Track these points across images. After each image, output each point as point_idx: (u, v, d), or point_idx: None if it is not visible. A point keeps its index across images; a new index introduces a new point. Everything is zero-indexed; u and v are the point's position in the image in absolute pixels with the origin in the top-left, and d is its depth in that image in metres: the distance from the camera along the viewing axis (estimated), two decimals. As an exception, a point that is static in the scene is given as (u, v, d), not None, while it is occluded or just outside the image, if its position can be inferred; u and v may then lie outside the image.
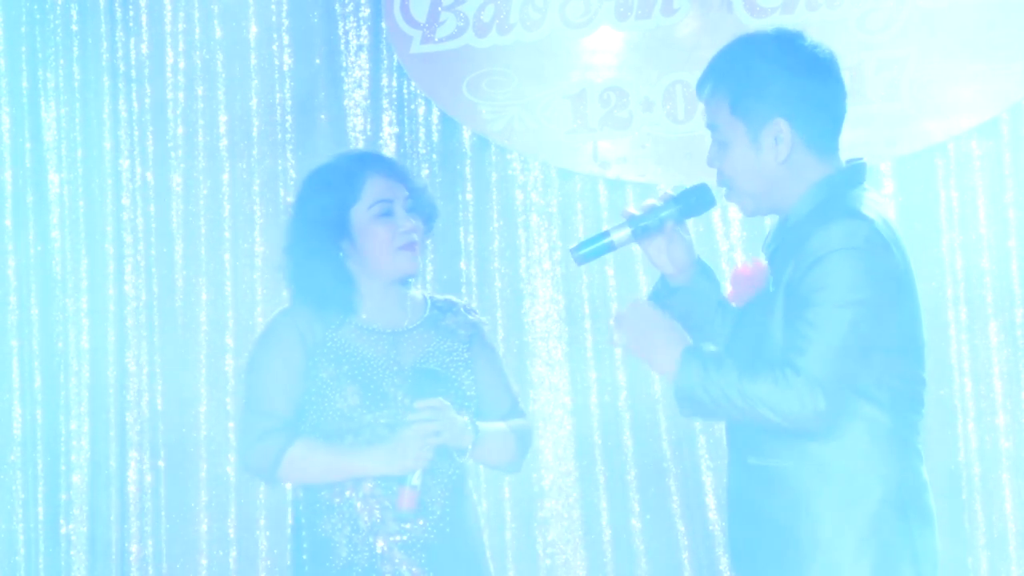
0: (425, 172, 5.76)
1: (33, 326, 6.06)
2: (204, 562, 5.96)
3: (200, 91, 6.05)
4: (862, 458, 3.29)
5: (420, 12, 5.82)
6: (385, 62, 5.93)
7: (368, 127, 5.91)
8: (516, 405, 4.16)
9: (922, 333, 3.40)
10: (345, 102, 5.95)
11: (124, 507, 6.02)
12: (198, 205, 6.05)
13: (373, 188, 4.01)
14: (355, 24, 5.96)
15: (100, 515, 6.02)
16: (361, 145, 5.84)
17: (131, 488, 6.02)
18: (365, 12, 5.95)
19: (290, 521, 4.21)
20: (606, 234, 3.52)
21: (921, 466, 3.38)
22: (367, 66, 5.94)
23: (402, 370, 3.97)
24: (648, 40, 5.63)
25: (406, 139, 5.89)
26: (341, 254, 4.02)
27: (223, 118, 6.04)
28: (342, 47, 5.96)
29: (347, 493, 3.95)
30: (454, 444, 3.92)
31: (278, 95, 5.99)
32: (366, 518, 3.94)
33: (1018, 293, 5.36)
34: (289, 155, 5.97)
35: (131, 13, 6.10)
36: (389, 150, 5.81)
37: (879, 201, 3.41)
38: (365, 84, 5.94)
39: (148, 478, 6.01)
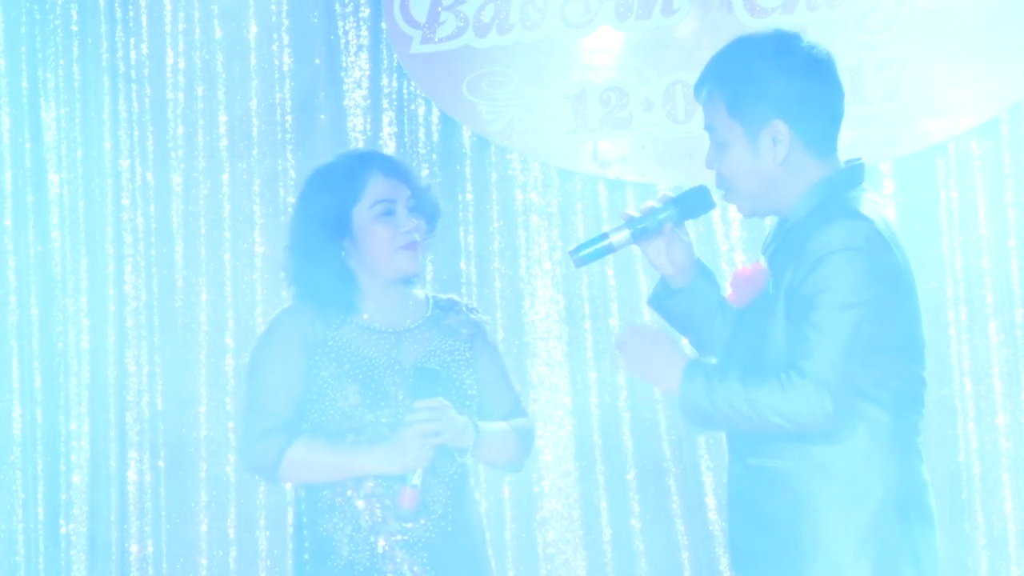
0: (425, 172, 5.76)
1: (33, 326, 6.06)
2: (204, 562, 5.96)
3: (200, 91, 6.05)
4: (863, 458, 3.29)
5: (420, 12, 5.81)
6: (385, 62, 5.92)
7: (368, 127, 5.91)
8: (518, 404, 4.16)
9: (922, 333, 3.40)
10: (345, 102, 5.95)
11: (124, 507, 6.02)
12: (198, 205, 6.05)
13: (375, 187, 4.02)
14: (355, 24, 5.96)
15: (100, 515, 6.02)
16: (361, 145, 5.84)
17: (131, 488, 6.02)
18: (365, 12, 5.95)
19: (291, 520, 4.21)
20: (605, 236, 3.52)
21: (922, 466, 3.39)
22: (367, 66, 5.94)
23: (403, 369, 3.98)
24: (648, 40, 5.63)
25: (406, 139, 5.89)
26: (343, 253, 4.02)
27: (223, 118, 6.04)
28: (342, 47, 5.96)
29: (348, 492, 3.95)
30: (455, 444, 3.92)
31: (278, 95, 5.99)
32: (367, 517, 3.94)
33: (1018, 293, 5.36)
34: (289, 155, 5.97)
35: (131, 13, 6.09)
36: (389, 150, 5.80)
37: (878, 202, 3.41)
38: (365, 84, 5.93)
39: (148, 478, 6.01)
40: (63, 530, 6.03)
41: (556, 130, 5.70)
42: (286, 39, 6.00)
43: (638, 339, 3.42)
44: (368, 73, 5.93)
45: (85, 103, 6.09)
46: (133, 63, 6.10)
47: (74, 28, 6.11)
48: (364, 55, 5.94)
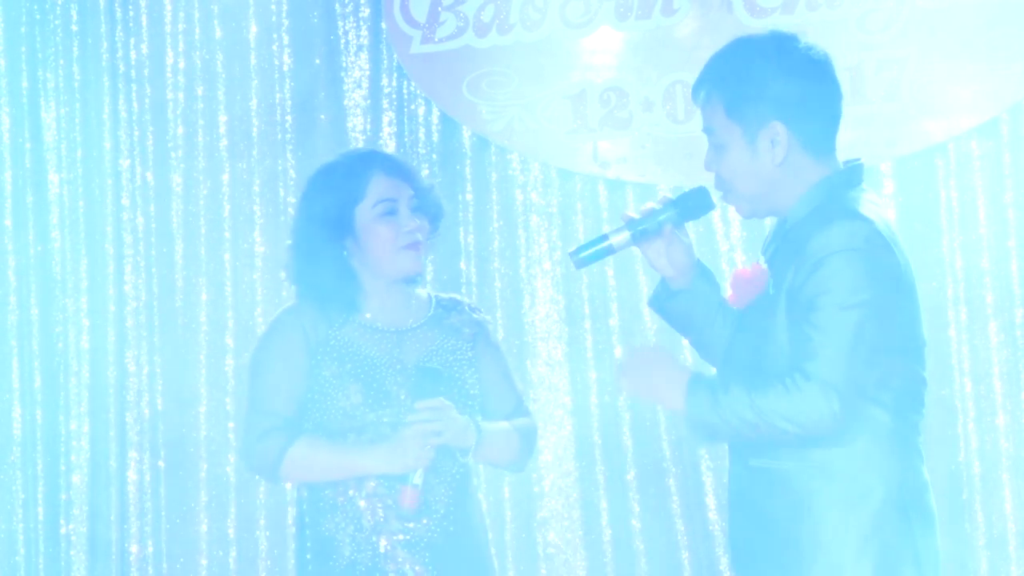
0: (425, 172, 5.76)
1: (33, 326, 6.06)
2: (204, 562, 5.96)
3: (200, 91, 6.05)
4: (864, 459, 3.29)
5: (420, 12, 5.81)
6: (385, 62, 5.92)
7: (368, 127, 5.91)
8: (521, 404, 4.16)
9: (923, 333, 3.40)
10: (345, 102, 5.95)
11: (124, 507, 6.02)
12: (198, 205, 6.04)
13: (377, 187, 4.02)
14: (355, 24, 5.96)
15: (100, 515, 6.02)
16: (361, 145, 5.84)
17: (131, 488, 6.02)
18: (365, 12, 5.95)
19: (293, 520, 4.20)
20: (605, 237, 3.52)
21: (922, 466, 3.39)
22: (367, 66, 5.94)
23: (405, 369, 3.98)
24: (648, 40, 5.63)
25: (406, 139, 5.89)
26: (345, 253, 4.02)
27: (223, 118, 6.04)
28: (342, 47, 5.96)
29: (350, 492, 3.95)
30: (456, 444, 3.92)
31: (278, 95, 5.99)
32: (369, 517, 3.94)
33: (1018, 293, 5.36)
34: (289, 155, 5.97)
35: (131, 13, 6.09)
36: (389, 150, 5.80)
37: (877, 202, 3.41)
38: (365, 84, 5.93)
39: (148, 478, 6.01)
40: (63, 530, 6.02)
41: (556, 130, 5.70)
42: (286, 39, 6.00)
43: (638, 361, 3.43)
44: (368, 73, 5.93)
45: (85, 103, 6.09)
46: (133, 63, 6.10)
47: (74, 28, 6.11)
48: (364, 55, 5.94)
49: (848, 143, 3.50)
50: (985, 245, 5.36)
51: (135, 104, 6.09)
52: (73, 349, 6.05)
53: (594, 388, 5.69)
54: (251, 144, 6.01)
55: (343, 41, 5.96)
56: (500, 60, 5.73)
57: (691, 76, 3.48)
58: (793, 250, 3.30)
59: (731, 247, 5.56)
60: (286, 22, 6.00)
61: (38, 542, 6.02)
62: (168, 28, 6.08)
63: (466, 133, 5.83)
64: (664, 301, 3.60)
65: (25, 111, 6.09)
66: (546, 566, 5.73)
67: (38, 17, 6.09)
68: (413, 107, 5.90)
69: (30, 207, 6.08)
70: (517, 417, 4.11)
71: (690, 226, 3.58)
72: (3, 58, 6.09)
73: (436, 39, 5.80)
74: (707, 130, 3.43)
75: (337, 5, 5.97)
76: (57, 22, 6.11)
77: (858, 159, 3.46)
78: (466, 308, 4.16)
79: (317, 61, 5.98)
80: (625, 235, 3.50)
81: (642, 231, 3.50)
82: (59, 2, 6.11)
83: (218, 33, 6.05)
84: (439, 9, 5.79)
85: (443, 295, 4.20)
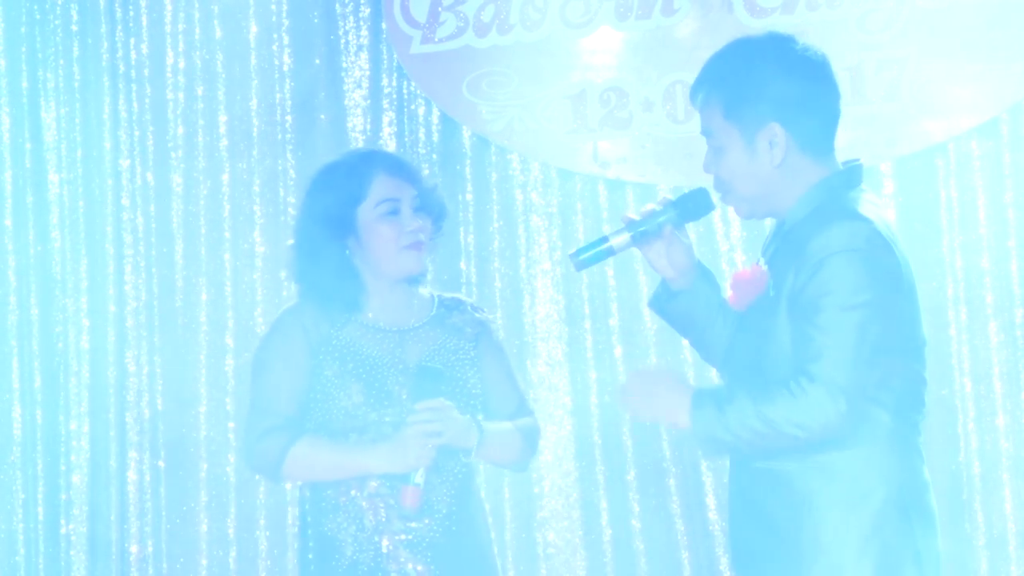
0: (425, 172, 5.76)
1: (33, 326, 6.06)
2: (204, 562, 5.96)
3: (200, 91, 6.05)
4: (864, 459, 3.29)
5: (420, 12, 5.81)
6: (385, 62, 5.92)
7: (368, 127, 5.91)
8: (524, 403, 4.16)
9: (923, 333, 3.40)
10: (345, 102, 5.95)
11: (124, 507, 6.02)
12: (198, 205, 6.04)
13: (380, 187, 4.02)
14: (355, 24, 5.96)
15: (100, 515, 6.02)
16: (361, 145, 5.84)
17: (131, 488, 6.02)
18: (365, 12, 5.95)
19: (295, 520, 4.20)
20: (605, 239, 3.52)
21: (923, 466, 3.39)
22: (367, 66, 5.94)
23: (407, 368, 3.98)
24: (648, 40, 5.63)
25: (406, 139, 5.89)
26: (347, 252, 4.02)
27: (223, 118, 6.04)
28: (342, 47, 5.96)
29: (352, 492, 3.95)
30: (457, 444, 3.92)
31: (278, 95, 5.99)
32: (371, 517, 3.94)
33: (1018, 293, 5.36)
34: (289, 155, 5.97)
35: (131, 13, 6.09)
36: (389, 150, 5.80)
37: (876, 202, 3.41)
38: (365, 84, 5.93)
39: (148, 478, 6.01)
40: (63, 530, 6.02)
41: (556, 130, 5.70)
42: (286, 39, 6.00)
43: (639, 383, 3.42)
44: (368, 73, 5.93)
45: (85, 103, 6.09)
46: (133, 63, 6.10)
47: (74, 28, 6.11)
48: (364, 55, 5.94)
49: (848, 143, 3.50)
50: (985, 245, 5.36)
51: (135, 104, 6.09)
52: (73, 349, 6.05)
53: (594, 388, 5.69)
54: (251, 144, 6.01)
55: (343, 41, 5.96)
56: (500, 60, 5.73)
57: (691, 76, 3.48)
58: (793, 251, 3.30)
59: (731, 247, 5.56)
60: (286, 22, 6.00)
61: (38, 542, 6.02)
62: (168, 28, 6.08)
63: (466, 133, 5.83)
64: (664, 302, 3.60)
65: (25, 111, 6.09)
66: (546, 566, 5.73)
67: (38, 17, 6.09)
68: (413, 107, 5.90)
69: (30, 207, 6.08)
70: (520, 416, 4.11)
71: (690, 227, 3.58)
72: (3, 58, 6.09)
73: (436, 39, 5.80)
74: (705, 132, 3.43)
75: (337, 5, 5.97)
76: (57, 22, 6.11)
77: (857, 159, 3.46)
78: (469, 308, 4.16)
79: (317, 61, 5.98)
80: (625, 237, 3.50)
81: (642, 232, 3.50)
82: (59, 2, 6.11)
83: (218, 33, 6.05)
84: (439, 9, 5.79)
85: (446, 295, 4.21)
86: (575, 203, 5.74)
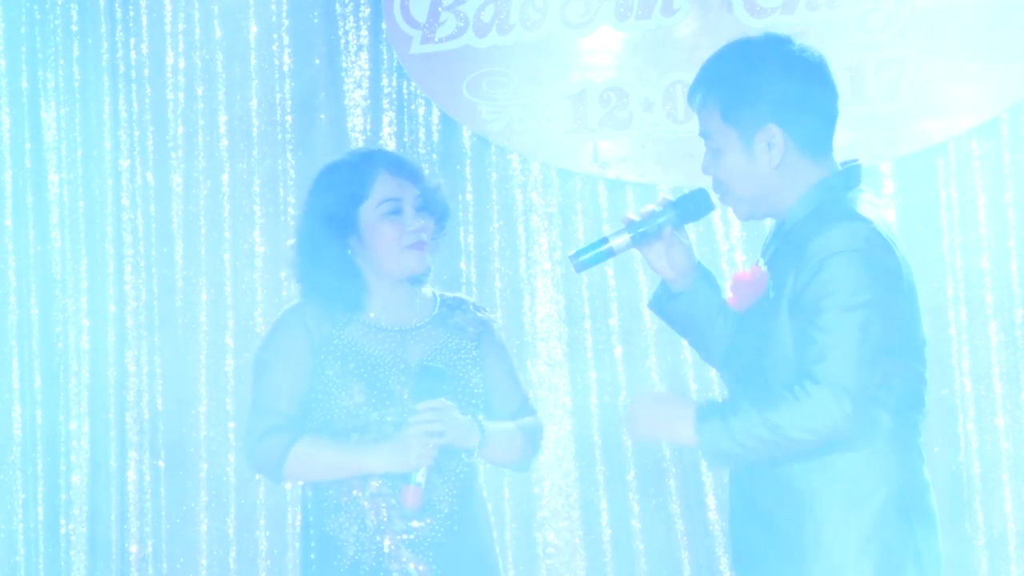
0: (427, 172, 5.76)
1: (33, 326, 6.06)
2: (204, 562, 5.96)
3: (200, 91, 6.05)
4: (865, 459, 3.28)
5: (420, 12, 5.81)
6: (385, 62, 5.92)
7: (368, 127, 5.91)
8: (526, 403, 4.16)
9: (923, 332, 3.40)
10: (345, 102, 5.95)
11: (124, 507, 6.02)
12: (198, 205, 6.04)
13: (382, 186, 4.02)
14: (355, 24, 5.96)
15: (100, 515, 6.02)
16: (362, 145, 5.84)
17: (131, 488, 6.02)
18: (365, 12, 5.95)
19: (298, 520, 4.20)
20: (605, 240, 3.52)
21: (923, 466, 3.38)
22: (367, 66, 5.94)
23: (408, 368, 3.98)
24: (648, 40, 5.63)
25: (406, 139, 5.89)
26: (349, 252, 4.02)
27: (223, 118, 6.04)
28: (342, 47, 5.96)
29: (354, 492, 3.95)
30: (459, 444, 3.92)
31: (278, 95, 5.99)
32: (373, 517, 3.94)
33: (1018, 293, 5.36)
34: (289, 155, 5.97)
35: (131, 13, 6.09)
36: (391, 150, 5.80)
37: (875, 203, 3.41)
38: (365, 84, 5.93)
39: (148, 478, 6.01)
40: (63, 530, 6.02)
41: (556, 130, 5.70)
42: (286, 39, 6.00)
43: (642, 406, 3.41)
44: (368, 73, 5.93)
45: (85, 103, 6.09)
46: (133, 63, 6.10)
47: (74, 28, 6.11)
48: (364, 55, 5.94)
49: (848, 143, 3.50)
50: (985, 245, 5.36)
51: (135, 104, 6.09)
52: (73, 349, 6.05)
53: (594, 388, 5.69)
54: (251, 144, 6.01)
55: (343, 41, 5.96)
56: (500, 60, 5.73)
57: (691, 76, 3.48)
58: (793, 252, 3.30)
59: (731, 247, 5.56)
60: (286, 22, 6.00)
61: (38, 542, 6.02)
62: (168, 28, 6.08)
63: (466, 133, 5.83)
64: (664, 303, 3.60)
65: (25, 111, 6.09)
66: (546, 566, 5.73)
67: (38, 17, 6.09)
68: (413, 107, 5.90)
69: (30, 207, 6.08)
70: (522, 416, 4.11)
71: (690, 227, 3.57)
72: (3, 58, 6.09)
73: (436, 39, 5.80)
74: (703, 135, 3.43)
75: (337, 5, 5.97)
76: (57, 22, 6.11)
77: (856, 160, 3.46)
78: (471, 307, 4.16)
79: (317, 61, 5.98)
80: (625, 238, 3.49)
81: (642, 233, 3.49)
82: (59, 2, 6.11)
83: (218, 33, 6.05)
84: (439, 9, 5.79)
85: (448, 294, 4.21)
86: (575, 203, 5.74)
